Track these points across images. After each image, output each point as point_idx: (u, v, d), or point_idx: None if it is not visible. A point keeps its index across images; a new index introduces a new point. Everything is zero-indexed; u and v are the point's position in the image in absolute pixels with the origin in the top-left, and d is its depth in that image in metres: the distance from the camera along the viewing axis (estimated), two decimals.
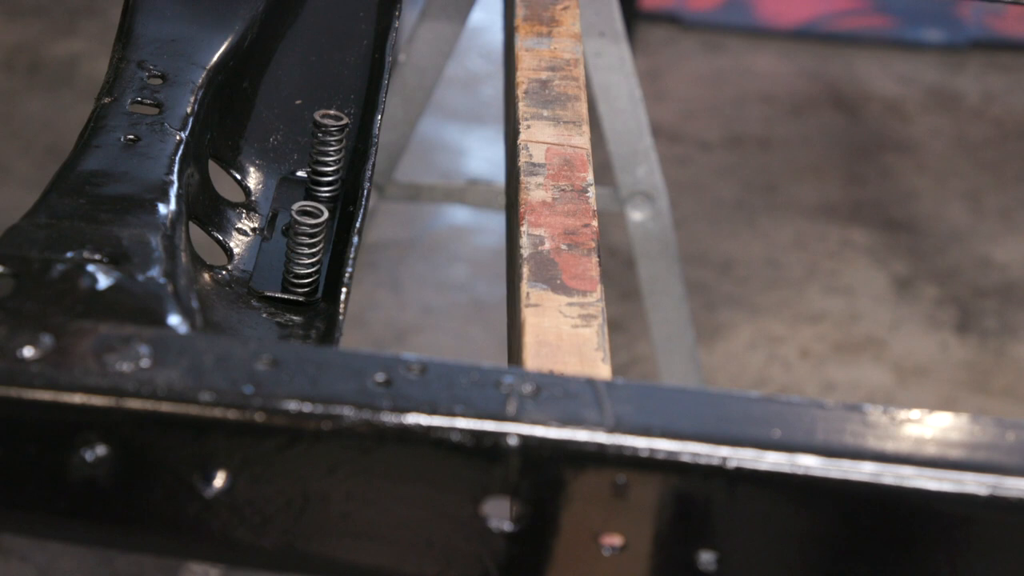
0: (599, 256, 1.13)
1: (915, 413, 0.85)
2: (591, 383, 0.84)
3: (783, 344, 2.83)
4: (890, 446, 0.82)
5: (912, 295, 2.96)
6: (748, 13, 3.70)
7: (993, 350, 2.83)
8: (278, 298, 1.13)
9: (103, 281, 0.93)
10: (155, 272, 0.96)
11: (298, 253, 1.13)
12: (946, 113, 3.49)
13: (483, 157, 3.27)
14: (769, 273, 3.00)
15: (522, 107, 1.30)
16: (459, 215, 3.05)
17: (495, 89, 3.40)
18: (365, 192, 1.18)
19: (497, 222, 1.89)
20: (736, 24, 3.71)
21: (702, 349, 2.71)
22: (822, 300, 2.95)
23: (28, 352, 0.81)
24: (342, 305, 1.08)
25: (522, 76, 1.34)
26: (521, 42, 1.39)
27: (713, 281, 2.96)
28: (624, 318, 2.74)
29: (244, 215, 1.20)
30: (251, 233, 1.19)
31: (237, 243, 1.17)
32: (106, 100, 1.16)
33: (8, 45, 3.42)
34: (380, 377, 0.82)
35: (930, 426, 0.84)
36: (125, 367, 0.81)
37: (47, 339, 0.82)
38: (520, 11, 1.44)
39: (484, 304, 2.87)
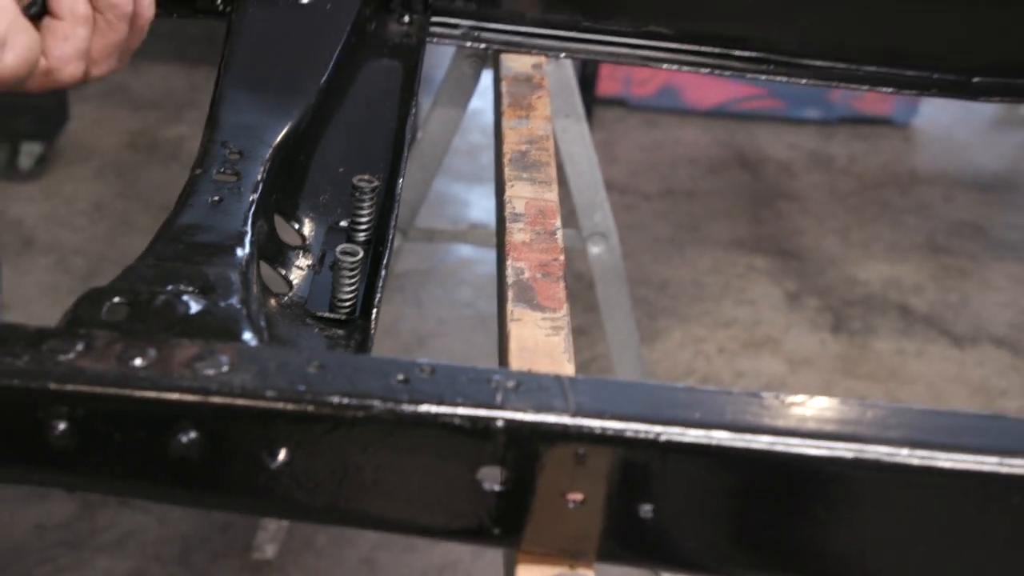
0: (566, 282, 1.12)
1: (800, 397, 0.84)
2: (558, 379, 0.83)
3: (705, 343, 2.82)
4: (781, 423, 0.81)
5: (799, 305, 2.95)
6: (677, 98, 3.69)
7: (858, 346, 2.83)
8: (326, 317, 1.12)
9: (194, 307, 0.91)
10: (234, 300, 0.95)
11: (341, 283, 1.12)
12: (822, 171, 3.49)
13: (482, 207, 3.26)
14: (694, 291, 2.99)
15: (507, 171, 1.29)
16: (465, 251, 3.04)
17: (490, 158, 3.39)
18: (391, 237, 1.17)
19: (493, 256, 1.89)
20: (668, 106, 3.71)
21: (645, 348, 2.70)
22: (733, 310, 2.94)
23: (138, 361, 0.80)
24: (373, 322, 1.07)
25: (507, 148, 1.33)
26: (506, 123, 1.38)
27: (653, 297, 2.95)
28: (587, 326, 2.73)
29: (301, 255, 1.19)
30: (306, 269, 1.18)
31: (295, 276, 1.16)
32: (198, 171, 1.15)
33: (132, 130, 3.42)
34: (400, 376, 0.81)
35: (811, 407, 0.83)
36: (210, 372, 0.80)
37: (152, 352, 0.81)
38: (506, 100, 1.43)
39: (485, 317, 2.87)
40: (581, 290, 2.71)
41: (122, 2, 1.09)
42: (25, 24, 0.99)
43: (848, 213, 3.30)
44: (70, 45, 1.05)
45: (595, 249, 1.92)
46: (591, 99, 3.49)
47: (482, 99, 1.72)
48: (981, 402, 2.68)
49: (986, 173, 3.55)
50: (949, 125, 3.77)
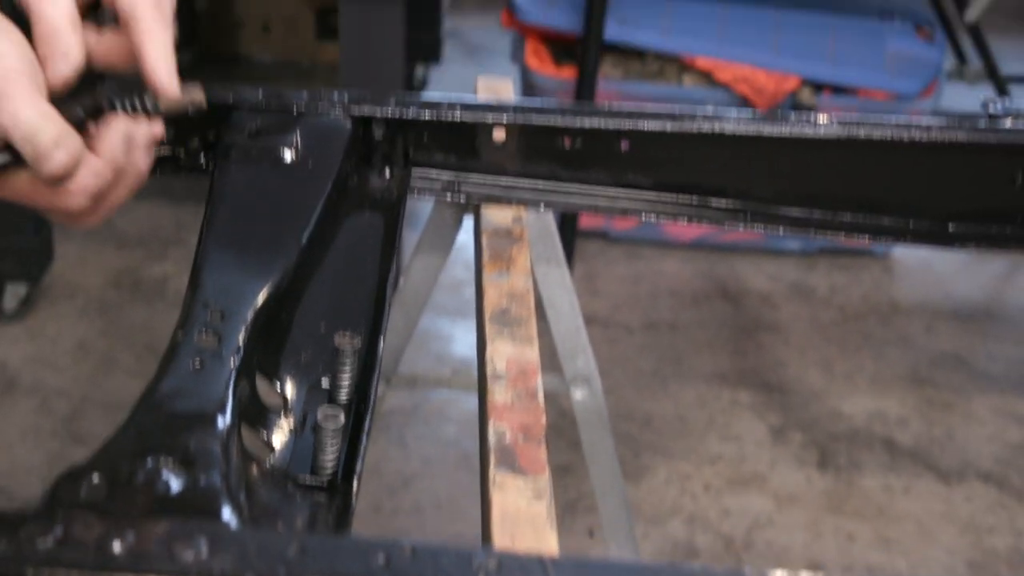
0: (547, 444, 1.11)
1: (782, 572, 0.83)
2: (541, 562, 0.82)
3: (691, 480, 2.81)
4: None
5: (784, 440, 2.95)
6: (657, 231, 3.72)
7: (845, 482, 2.81)
8: (308, 483, 1.11)
9: (174, 485, 0.91)
10: (214, 474, 0.94)
11: (323, 447, 1.11)
12: (803, 302, 3.51)
13: (466, 343, 3.26)
14: (678, 426, 2.98)
15: (488, 328, 1.29)
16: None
17: (473, 292, 3.40)
18: (373, 398, 1.17)
19: (475, 397, 1.89)
20: (649, 238, 3.74)
21: (630, 485, 2.69)
22: (718, 445, 2.93)
23: (116, 546, 0.79)
24: (355, 489, 1.06)
25: (488, 303, 1.34)
26: (487, 276, 1.39)
27: (637, 432, 2.95)
28: (572, 464, 2.72)
29: (282, 417, 1.19)
30: (287, 431, 1.17)
31: (277, 439, 1.16)
32: (179, 333, 1.15)
33: (116, 268, 3.42)
34: (381, 559, 0.80)
35: None
36: (189, 556, 0.79)
37: (130, 535, 0.80)
38: (486, 253, 1.44)
39: (470, 455, 2.85)
40: (565, 426, 2.70)
41: (142, 163, 1.11)
42: (74, 132, 1.00)
43: (830, 345, 3.31)
44: (95, 181, 1.06)
45: (578, 394, 1.92)
46: (573, 232, 3.51)
47: (465, 233, 1.74)
48: (970, 540, 2.66)
49: (967, 303, 3.57)
50: (929, 256, 3.80)
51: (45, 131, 0.97)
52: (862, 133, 1.50)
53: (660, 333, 3.34)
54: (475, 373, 1.98)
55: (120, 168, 1.09)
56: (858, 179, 1.55)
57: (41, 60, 1.04)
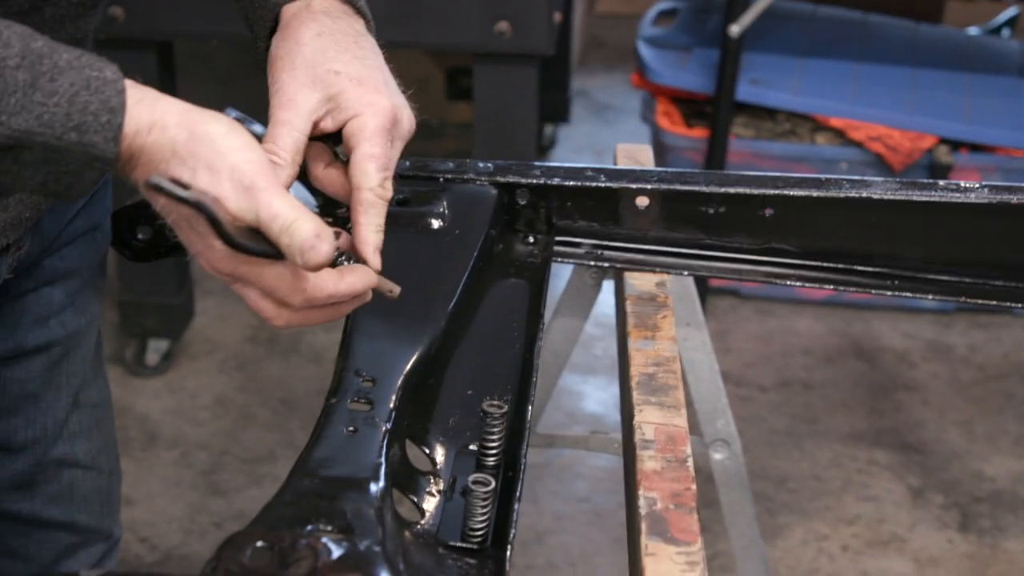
0: (699, 513, 1.11)
1: None
2: None
3: (828, 541, 2.76)
4: None
5: (924, 502, 2.89)
6: (789, 288, 3.68)
7: (988, 545, 2.74)
8: (459, 547, 1.12)
9: (335, 551, 0.92)
10: (371, 539, 0.96)
11: (473, 512, 1.12)
12: (942, 360, 3.44)
13: (596, 399, 3.27)
14: (814, 485, 2.94)
15: (635, 395, 1.29)
16: None
17: (603, 349, 3.41)
18: (522, 464, 1.18)
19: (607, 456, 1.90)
20: (781, 296, 3.70)
21: (767, 545, 2.65)
22: (856, 506, 2.88)
23: None
24: (508, 556, 1.07)
25: (634, 370, 1.34)
26: (632, 343, 1.39)
27: (772, 492, 2.91)
28: (707, 521, 2.69)
29: (431, 481, 1.20)
30: (437, 495, 1.18)
31: (427, 503, 1.17)
32: (332, 400, 1.17)
33: (254, 325, 3.49)
34: None
35: None
36: None
37: None
38: (631, 320, 1.44)
39: (601, 512, 2.84)
40: (700, 484, 2.67)
41: (345, 310, 1.15)
42: (328, 228, 1.03)
43: (970, 405, 3.24)
44: (328, 290, 1.08)
45: (717, 455, 1.91)
46: (704, 290, 3.50)
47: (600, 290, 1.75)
48: None
49: None
50: None
51: (305, 225, 1.00)
52: (1014, 199, 1.48)
53: (794, 392, 3.30)
54: (611, 434, 1.98)
55: (337, 303, 1.12)
56: (1009, 244, 1.53)
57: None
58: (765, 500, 2.86)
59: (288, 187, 1.13)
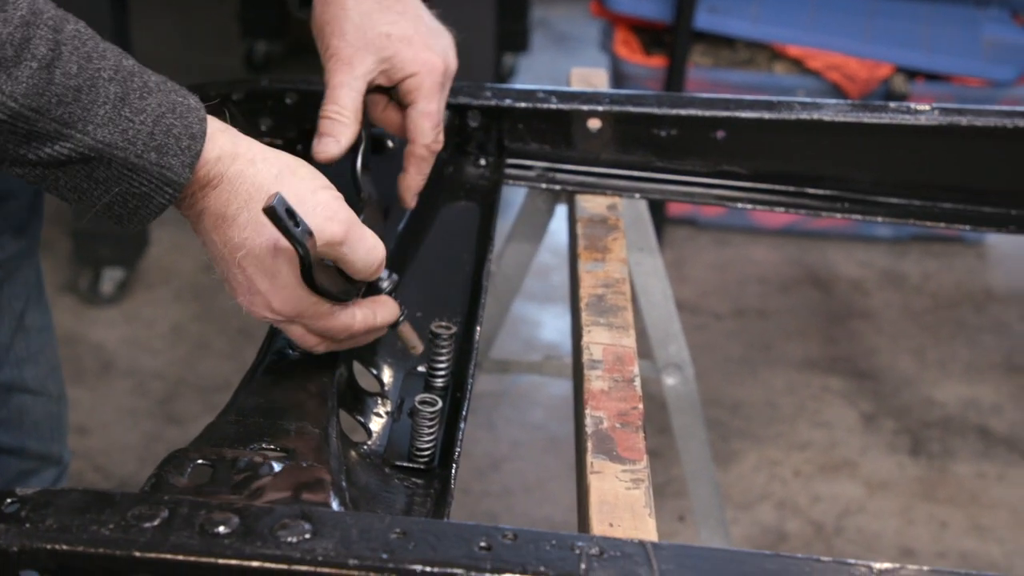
0: (645, 432, 1.11)
1: (889, 565, 0.81)
2: (643, 545, 0.81)
3: (780, 466, 2.78)
4: None
5: (875, 427, 2.91)
6: (746, 217, 3.69)
7: (937, 468, 2.77)
8: (405, 467, 1.11)
9: (276, 468, 0.91)
10: (315, 459, 0.95)
11: (420, 432, 1.12)
12: (895, 289, 3.46)
13: (554, 328, 3.26)
14: (768, 412, 2.95)
15: (584, 316, 1.28)
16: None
17: (561, 278, 3.40)
18: (470, 385, 1.17)
19: (564, 379, 1.89)
20: (737, 225, 3.70)
21: (720, 470, 2.67)
22: (809, 432, 2.90)
23: (221, 529, 0.80)
24: (453, 475, 1.06)
25: (584, 292, 1.33)
26: (582, 265, 1.38)
27: (726, 419, 2.92)
28: (661, 447, 2.70)
29: (379, 402, 1.19)
30: (384, 416, 1.18)
31: (374, 424, 1.16)
32: None
33: None
34: (483, 543, 0.80)
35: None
36: (292, 539, 0.79)
37: (235, 519, 0.81)
38: (582, 242, 1.43)
39: (556, 438, 2.85)
40: (654, 411, 2.68)
41: (365, 341, 1.15)
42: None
43: (923, 332, 3.26)
44: (378, 321, 1.12)
45: (670, 380, 1.91)
46: (661, 219, 3.49)
47: (553, 220, 1.73)
48: None
49: None
50: (1022, 242, 3.72)
51: (381, 246, 1.06)
52: (964, 121, 1.47)
53: (749, 320, 3.31)
54: (565, 359, 1.98)
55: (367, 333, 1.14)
56: (959, 168, 1.52)
57: (317, 135, 1.24)
58: (719, 426, 2.88)
59: (352, 144, 1.25)
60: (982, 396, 3.02)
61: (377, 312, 1.11)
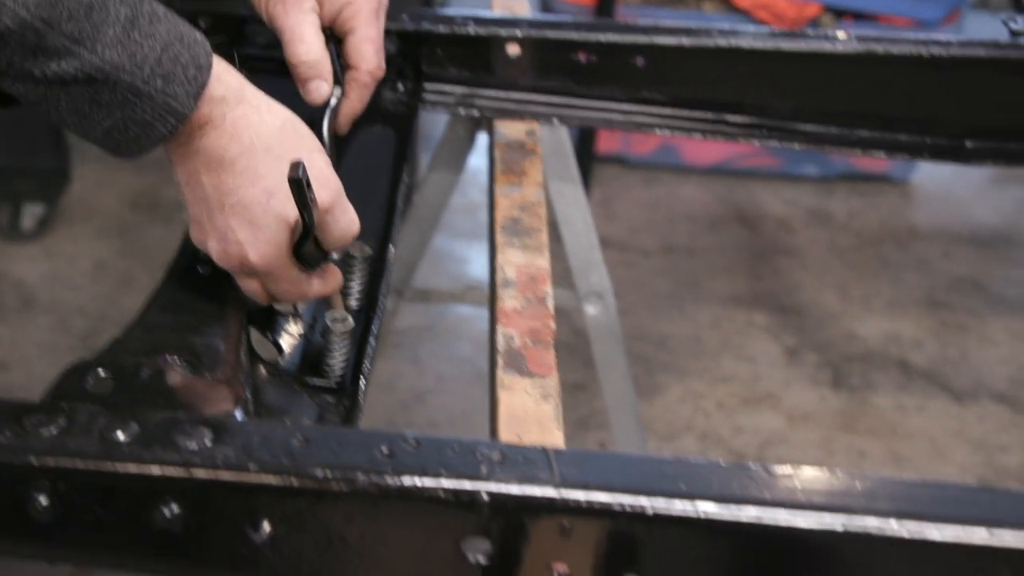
0: (555, 349, 1.11)
1: (788, 468, 0.83)
2: (544, 451, 0.82)
3: (704, 399, 2.81)
4: (768, 494, 0.80)
5: (798, 361, 2.94)
6: (676, 156, 3.70)
7: (858, 401, 2.81)
8: (316, 385, 1.11)
9: (180, 379, 0.91)
10: (220, 371, 0.95)
11: (331, 350, 1.11)
12: (821, 227, 3.49)
13: (481, 264, 3.26)
14: (693, 346, 2.98)
15: (499, 237, 1.29)
16: (464, 308, 3.04)
17: None
18: (381, 304, 1.17)
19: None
20: (667, 163, 3.71)
21: (644, 403, 2.69)
22: (733, 365, 2.93)
23: (120, 436, 0.80)
24: (362, 390, 1.07)
25: (500, 214, 1.33)
26: (499, 189, 1.38)
27: (652, 352, 2.95)
28: (585, 381, 2.72)
29: (291, 321, 1.19)
30: (297, 336, 1.17)
31: (286, 343, 1.16)
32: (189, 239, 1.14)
33: (134, 190, 3.42)
34: (384, 449, 0.81)
35: (799, 478, 0.82)
36: (193, 446, 0.79)
37: (134, 426, 0.80)
38: (499, 166, 1.43)
39: (484, 374, 2.84)
40: (580, 345, 2.69)
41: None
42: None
43: (847, 269, 3.30)
44: (327, 289, 1.12)
45: (591, 309, 1.92)
46: (590, 157, 3.49)
47: (482, 158, 1.73)
48: (982, 458, 2.66)
49: (985, 229, 3.55)
50: (947, 181, 3.77)
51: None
52: (880, 49, 1.48)
53: (677, 257, 3.33)
54: (487, 292, 1.98)
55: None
56: (875, 95, 1.54)
57: (302, 80, 1.23)
58: (645, 360, 2.90)
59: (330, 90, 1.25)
60: (903, 331, 3.06)
61: (328, 282, 1.11)
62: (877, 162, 3.61)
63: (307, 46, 1.23)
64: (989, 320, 3.10)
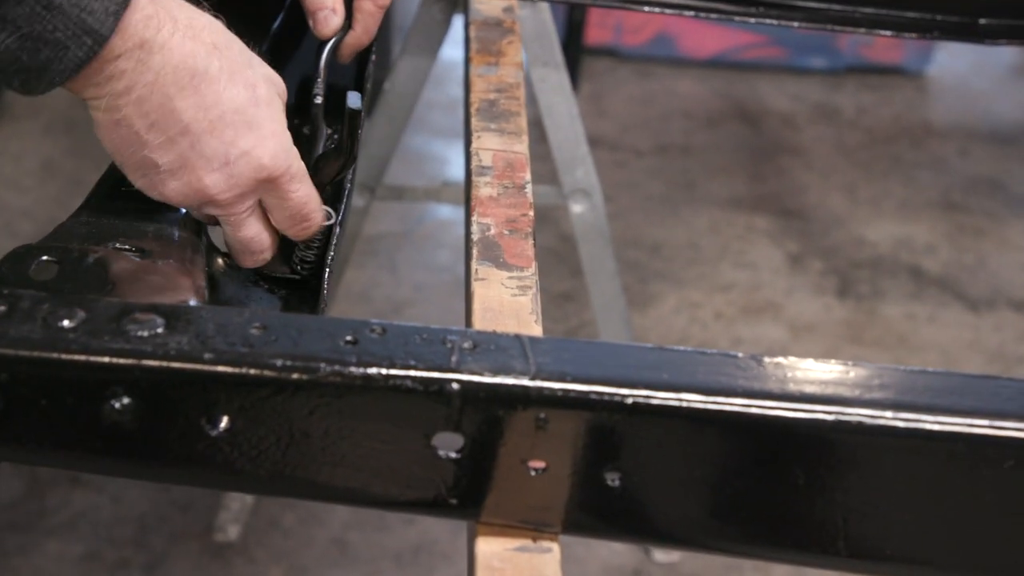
0: (534, 239, 1.12)
1: (777, 358, 0.84)
2: (518, 339, 0.83)
3: (701, 308, 2.83)
4: (756, 384, 0.82)
5: (802, 268, 2.96)
6: (672, 47, 3.69)
7: (866, 310, 2.83)
8: (278, 277, 1.12)
9: (129, 267, 0.92)
10: (172, 259, 0.95)
11: (307, 245, 1.12)
12: (828, 123, 3.49)
13: (461, 164, 3.26)
14: (690, 253, 2.99)
15: (474, 121, 1.29)
16: (443, 212, 3.04)
17: None
18: (346, 193, 1.17)
19: None
20: (662, 56, 3.70)
21: (637, 314, 2.71)
22: (732, 273, 2.94)
23: (66, 323, 0.80)
24: (325, 281, 1.07)
25: (475, 97, 1.33)
26: (474, 70, 1.38)
27: (645, 260, 2.96)
28: (574, 291, 2.73)
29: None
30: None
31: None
32: None
33: None
34: (349, 337, 0.81)
35: (789, 368, 0.84)
36: (144, 334, 0.80)
37: (81, 313, 0.81)
38: (474, 45, 1.43)
39: (463, 281, 2.86)
40: (568, 252, 2.71)
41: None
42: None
43: (855, 169, 3.31)
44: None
45: (577, 207, 1.92)
46: (579, 48, 3.48)
47: (461, 49, 1.72)
48: (997, 369, 2.69)
49: (1005, 125, 3.55)
50: (965, 74, 3.76)
51: (317, 210, 1.07)
52: None
53: (672, 156, 3.33)
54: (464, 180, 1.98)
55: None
56: None
57: (310, 10, 1.23)
58: (637, 268, 2.91)
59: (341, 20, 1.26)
60: (916, 235, 3.08)
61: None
62: (889, 52, 3.60)
63: None
64: (1009, 223, 3.11)
